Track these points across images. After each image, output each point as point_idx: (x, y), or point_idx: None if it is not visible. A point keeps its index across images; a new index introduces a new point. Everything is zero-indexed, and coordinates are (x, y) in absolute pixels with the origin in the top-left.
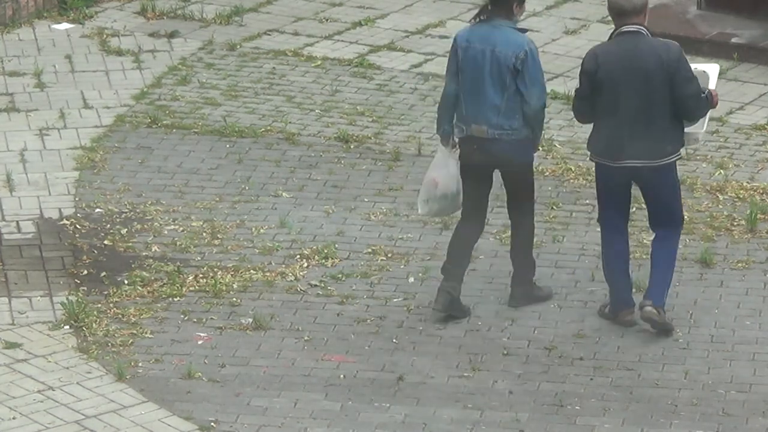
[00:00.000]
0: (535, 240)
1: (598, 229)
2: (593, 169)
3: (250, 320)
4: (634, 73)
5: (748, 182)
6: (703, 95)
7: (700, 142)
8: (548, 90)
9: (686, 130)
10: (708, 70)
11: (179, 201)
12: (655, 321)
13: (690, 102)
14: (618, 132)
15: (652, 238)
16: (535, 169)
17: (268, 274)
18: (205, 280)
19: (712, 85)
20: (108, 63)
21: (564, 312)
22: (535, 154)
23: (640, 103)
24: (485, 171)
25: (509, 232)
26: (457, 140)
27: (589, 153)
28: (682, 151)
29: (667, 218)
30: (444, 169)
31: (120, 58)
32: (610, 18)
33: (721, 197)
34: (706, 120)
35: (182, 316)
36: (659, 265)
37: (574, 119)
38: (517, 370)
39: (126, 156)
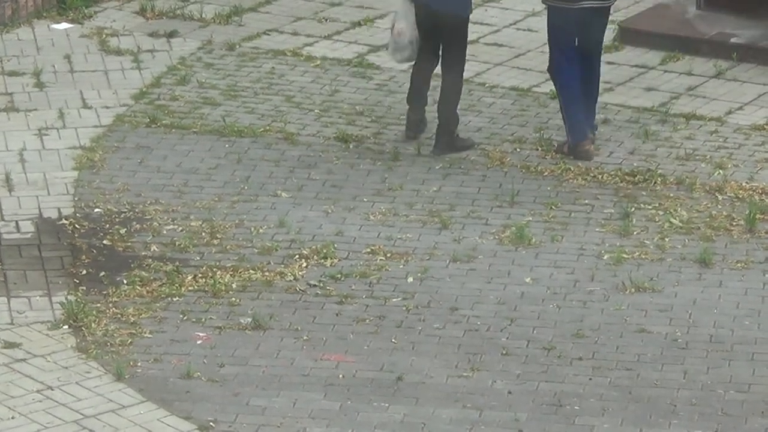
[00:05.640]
0: (533, 239)
1: (597, 229)
2: (593, 168)
3: (249, 320)
4: None
5: (747, 182)
6: None
7: None
8: (548, 90)
9: None
10: None
11: (178, 201)
12: (591, 155)
13: None
14: None
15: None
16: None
17: (267, 273)
18: (204, 280)
19: None
20: (107, 63)
21: (563, 312)
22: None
23: None
24: (433, 25)
25: (508, 232)
26: None
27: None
28: None
29: (598, 50)
30: (406, 20)
31: (119, 58)
32: (609, 17)
33: (720, 197)
34: None
35: (181, 315)
36: (591, 97)
37: None
38: (516, 370)
39: (125, 156)
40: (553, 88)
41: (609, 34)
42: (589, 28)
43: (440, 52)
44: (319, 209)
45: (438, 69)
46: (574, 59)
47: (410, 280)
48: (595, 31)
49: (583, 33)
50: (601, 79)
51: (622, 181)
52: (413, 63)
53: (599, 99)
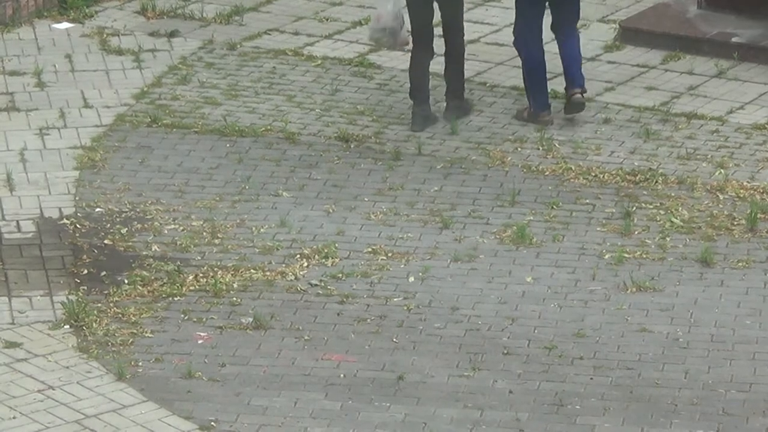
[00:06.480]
0: (534, 238)
1: (599, 228)
2: (594, 168)
3: (250, 320)
4: None
5: (748, 182)
6: None
7: None
8: (550, 90)
9: None
10: None
11: (179, 200)
12: (583, 103)
13: None
14: None
15: (557, 42)
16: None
17: (268, 273)
18: (205, 280)
19: None
20: (108, 62)
21: (564, 311)
22: None
23: None
24: (426, 2)
25: (509, 231)
26: None
27: None
28: None
29: (572, 19)
30: (385, 6)
31: (120, 58)
32: (609, 17)
33: (721, 197)
34: None
35: (182, 315)
36: (574, 59)
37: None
38: (517, 369)
39: (126, 155)
40: (555, 88)
41: (610, 34)
42: (559, 3)
43: (433, 37)
44: (320, 209)
45: (433, 67)
46: (539, 32)
47: (411, 279)
48: (565, 7)
49: (554, 7)
50: (587, 60)
51: (623, 181)
52: (410, 59)
53: (601, 98)
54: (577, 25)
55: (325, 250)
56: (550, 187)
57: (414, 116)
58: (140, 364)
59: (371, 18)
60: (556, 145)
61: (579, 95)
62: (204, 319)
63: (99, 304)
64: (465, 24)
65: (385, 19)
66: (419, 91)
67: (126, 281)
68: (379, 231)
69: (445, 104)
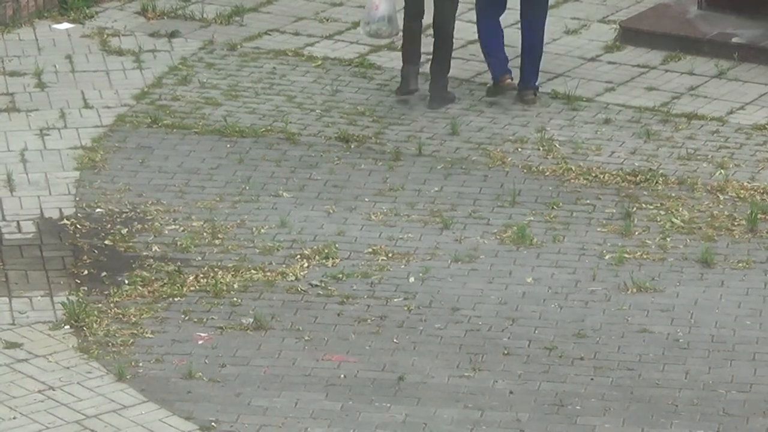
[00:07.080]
0: (534, 239)
1: (599, 229)
2: (594, 168)
3: (251, 320)
4: None
5: (748, 182)
6: None
7: None
8: (549, 90)
9: None
10: None
11: (180, 201)
12: (533, 100)
13: None
14: None
15: (520, 26)
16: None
17: (268, 273)
18: (205, 280)
19: None
20: (108, 63)
21: (564, 312)
22: None
23: None
24: None
25: (509, 232)
26: None
27: None
28: None
29: (541, 6)
30: None
31: (120, 58)
32: (610, 18)
33: (721, 197)
34: None
35: (183, 316)
36: (533, 52)
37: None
38: (517, 370)
39: (126, 156)
40: (555, 88)
41: (610, 34)
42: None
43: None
44: (320, 209)
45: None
46: (497, 21)
47: (412, 280)
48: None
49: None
50: (545, 40)
51: (623, 181)
52: (403, 22)
53: (601, 99)
54: (545, 16)
55: (326, 251)
56: (550, 188)
57: (404, 79)
58: (141, 364)
59: (365, 10)
60: (557, 145)
61: (531, 96)
62: (204, 320)
63: (99, 305)
64: (465, 24)
65: (382, 7)
66: (411, 45)
67: (126, 282)
68: (379, 231)
69: (429, 96)
